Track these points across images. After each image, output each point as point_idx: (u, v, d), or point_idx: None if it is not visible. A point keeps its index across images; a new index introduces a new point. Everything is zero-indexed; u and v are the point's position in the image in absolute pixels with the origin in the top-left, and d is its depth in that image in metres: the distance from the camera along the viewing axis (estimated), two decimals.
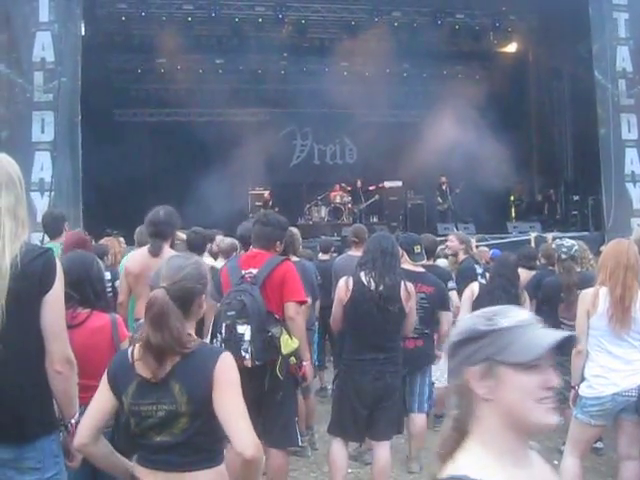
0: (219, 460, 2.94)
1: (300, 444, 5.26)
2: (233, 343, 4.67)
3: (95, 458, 3.01)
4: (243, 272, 5.15)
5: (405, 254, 6.36)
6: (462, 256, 8.66)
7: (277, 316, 5.06)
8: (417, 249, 6.54)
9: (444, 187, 20.07)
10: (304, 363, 5.20)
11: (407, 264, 6.30)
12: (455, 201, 19.92)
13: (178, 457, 2.83)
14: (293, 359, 5.07)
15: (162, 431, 2.83)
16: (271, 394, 5.03)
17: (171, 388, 2.82)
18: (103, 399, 2.96)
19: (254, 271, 5.13)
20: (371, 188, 20.99)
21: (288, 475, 5.41)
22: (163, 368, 2.83)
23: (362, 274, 5.48)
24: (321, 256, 9.67)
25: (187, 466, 2.83)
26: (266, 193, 20.25)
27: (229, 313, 4.82)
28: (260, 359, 4.82)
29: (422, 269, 6.65)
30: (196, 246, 7.48)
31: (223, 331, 4.82)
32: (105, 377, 2.97)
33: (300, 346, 5.12)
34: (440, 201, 20.03)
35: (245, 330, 4.76)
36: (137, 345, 2.94)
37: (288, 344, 5.01)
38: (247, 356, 4.73)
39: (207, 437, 2.87)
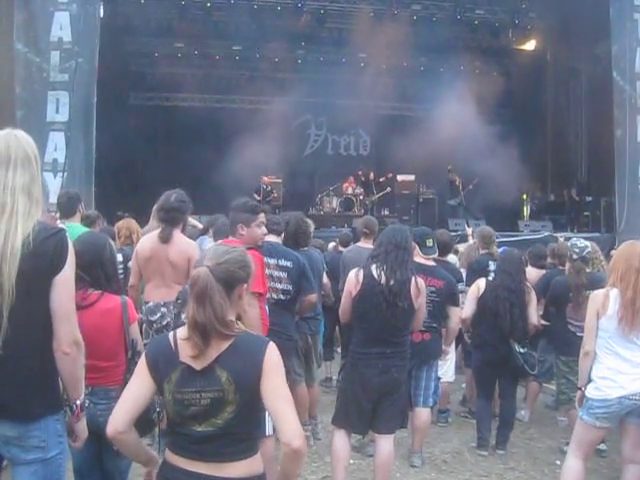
0: (256, 449, 2.93)
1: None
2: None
3: (126, 446, 2.96)
4: None
5: (417, 247, 6.34)
6: (481, 251, 8.65)
7: None
8: (429, 242, 6.51)
9: (457, 183, 20.06)
10: None
11: (418, 257, 6.27)
12: (467, 197, 19.89)
13: (218, 447, 2.81)
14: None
15: (204, 420, 2.80)
16: None
17: (218, 376, 2.79)
18: (142, 386, 2.91)
19: None
20: (382, 180, 20.99)
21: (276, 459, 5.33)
22: (209, 352, 2.80)
23: (373, 267, 5.44)
24: (340, 248, 9.71)
25: (227, 456, 2.82)
26: (265, 178, 20.19)
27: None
28: None
29: (433, 263, 6.63)
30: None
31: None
32: (144, 362, 2.92)
33: None
34: (451, 196, 20.03)
35: None
36: (179, 329, 2.93)
37: None
38: None
39: (248, 427, 2.87)
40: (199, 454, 2.82)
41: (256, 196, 19.70)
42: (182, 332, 2.89)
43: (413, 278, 5.47)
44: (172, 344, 2.88)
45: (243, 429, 2.85)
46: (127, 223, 7.92)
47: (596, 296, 5.09)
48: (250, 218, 5.37)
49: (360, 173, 21.22)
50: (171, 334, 2.95)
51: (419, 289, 5.51)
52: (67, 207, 7.16)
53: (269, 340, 2.95)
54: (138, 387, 2.93)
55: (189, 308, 2.84)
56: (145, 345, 4.11)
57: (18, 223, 2.95)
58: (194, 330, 2.80)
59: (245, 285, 2.97)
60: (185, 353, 2.84)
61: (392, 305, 5.33)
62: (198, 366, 2.81)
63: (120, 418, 2.88)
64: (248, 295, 5.03)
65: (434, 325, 6.63)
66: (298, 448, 2.74)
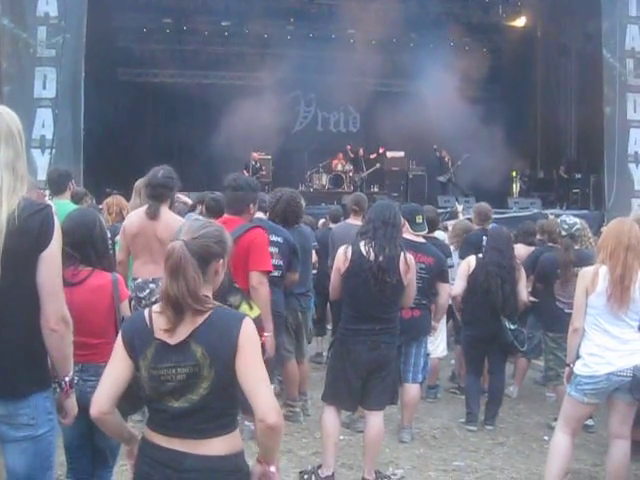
0: (234, 426, 2.91)
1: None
2: None
3: (109, 426, 2.95)
4: None
5: (406, 224, 6.34)
6: (476, 227, 8.65)
7: (235, 285, 4.97)
8: (419, 219, 6.50)
9: (446, 159, 20.08)
10: (265, 334, 5.07)
11: (408, 234, 6.27)
12: (456, 174, 19.91)
13: (195, 424, 2.79)
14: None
15: (180, 396, 2.79)
16: None
17: (193, 351, 2.77)
18: (120, 365, 2.89)
19: None
20: (372, 156, 20.97)
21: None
22: (183, 326, 2.79)
23: (362, 244, 5.42)
24: (330, 225, 9.66)
25: (203, 433, 2.80)
26: (254, 154, 20.13)
27: None
28: None
29: (423, 239, 6.63)
30: (216, 213, 7.51)
31: None
32: (120, 341, 2.90)
33: (261, 316, 4.95)
34: (441, 172, 20.05)
35: None
36: (154, 307, 2.91)
37: (247, 313, 4.93)
38: None
39: (224, 403, 2.84)
40: (176, 430, 2.81)
41: (245, 172, 19.68)
42: (157, 307, 2.88)
43: (402, 254, 5.46)
44: (147, 320, 2.86)
45: (219, 404, 2.82)
46: (117, 200, 7.88)
47: (585, 273, 5.11)
48: (256, 197, 5.47)
49: (349, 149, 21.19)
50: (146, 310, 2.92)
51: (408, 265, 5.50)
52: (57, 184, 7.12)
53: (245, 315, 2.94)
54: (117, 366, 2.91)
55: (163, 281, 2.82)
56: None
57: (2, 200, 2.91)
58: (167, 304, 2.78)
59: (221, 260, 2.94)
60: (159, 328, 2.81)
61: (381, 281, 5.33)
62: (172, 341, 2.79)
63: (103, 399, 2.87)
64: (258, 274, 5.04)
65: (424, 302, 6.64)
66: (274, 424, 2.71)
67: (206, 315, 2.82)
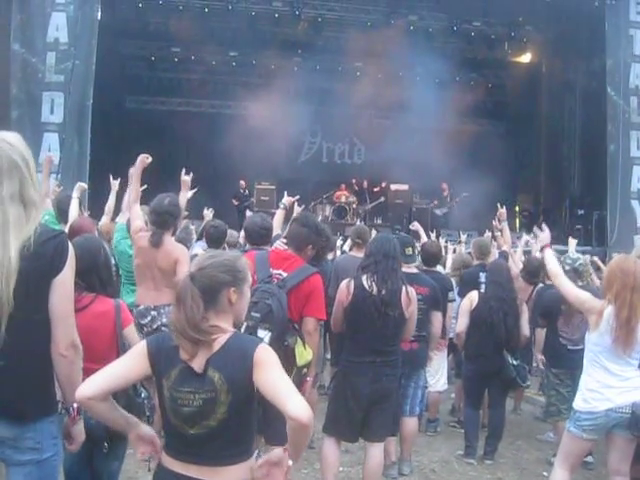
0: (250, 453, 2.92)
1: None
2: None
3: (95, 413, 2.94)
4: (272, 271, 5.02)
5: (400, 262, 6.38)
6: (475, 261, 8.66)
7: (295, 325, 4.96)
8: (408, 251, 6.50)
9: (445, 194, 20.18)
10: (308, 378, 5.05)
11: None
12: (453, 209, 19.98)
13: (211, 450, 2.81)
14: (305, 370, 5.02)
15: (198, 422, 2.81)
16: None
17: (210, 377, 2.80)
18: (132, 366, 2.93)
19: (284, 274, 5.00)
20: (376, 190, 21.03)
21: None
22: (201, 354, 2.82)
23: (364, 277, 5.46)
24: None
25: (220, 460, 2.82)
26: (242, 182, 20.24)
27: (254, 314, 4.64)
28: None
29: (416, 270, 6.65)
30: (215, 241, 7.57)
31: (243, 330, 4.76)
32: (144, 349, 2.92)
33: (313, 360, 5.04)
34: (437, 204, 20.15)
35: (265, 336, 4.60)
36: None
37: (303, 355, 4.93)
38: None
39: (241, 429, 2.87)
40: (192, 457, 2.83)
41: (234, 201, 19.80)
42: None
43: (404, 287, 5.51)
44: (174, 342, 2.90)
45: (236, 431, 2.85)
46: (109, 226, 7.91)
47: (593, 306, 5.11)
48: (319, 242, 5.38)
49: (354, 182, 21.26)
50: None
51: (410, 298, 5.55)
52: (67, 212, 7.12)
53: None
54: (127, 365, 2.95)
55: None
56: None
57: (11, 235, 2.90)
58: (177, 335, 2.84)
59: (233, 289, 2.95)
60: (183, 353, 2.86)
61: (384, 315, 5.36)
62: (197, 368, 2.83)
63: (92, 385, 2.87)
64: (315, 320, 5.08)
65: (422, 334, 6.67)
66: (308, 421, 2.69)
67: (223, 341, 2.86)
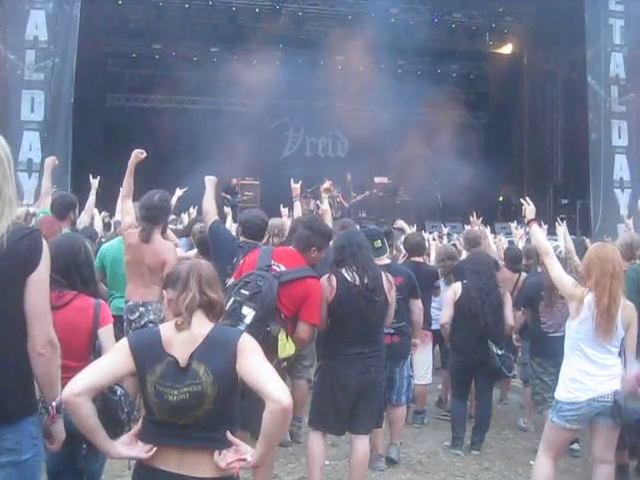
0: (227, 443, 2.93)
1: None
2: (232, 320, 4.61)
3: (80, 414, 2.88)
4: (272, 262, 5.10)
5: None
6: (464, 253, 8.69)
7: (283, 316, 4.98)
8: (377, 243, 6.44)
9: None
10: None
11: None
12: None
13: (195, 441, 2.85)
14: (284, 364, 5.04)
15: (184, 415, 2.84)
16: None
17: (195, 370, 2.84)
18: (117, 363, 2.93)
19: (283, 267, 5.07)
20: (359, 194, 20.95)
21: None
22: (184, 347, 2.88)
23: (343, 271, 5.45)
24: None
25: (202, 453, 2.85)
26: (234, 180, 20.25)
27: (242, 291, 4.76)
28: None
29: (387, 260, 6.62)
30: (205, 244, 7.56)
31: (229, 305, 4.76)
32: (126, 346, 2.94)
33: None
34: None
35: (249, 314, 4.70)
36: (167, 325, 2.98)
37: (285, 349, 4.96)
38: None
39: (224, 423, 2.90)
40: (175, 450, 2.85)
41: (225, 195, 19.76)
42: (168, 327, 2.95)
43: (382, 273, 5.57)
44: (159, 337, 2.92)
45: (220, 423, 2.87)
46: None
47: (574, 292, 5.12)
48: (325, 245, 5.42)
49: (349, 178, 21.24)
50: (156, 328, 3.02)
51: (390, 282, 5.64)
52: (59, 212, 7.04)
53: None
54: (112, 362, 2.96)
55: (182, 295, 2.98)
56: None
57: None
58: (201, 309, 2.97)
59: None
60: (171, 348, 2.87)
61: (371, 302, 5.38)
62: (182, 362, 2.86)
63: (79, 382, 2.87)
64: (309, 327, 5.13)
65: (402, 324, 6.68)
66: (288, 405, 2.73)
67: (205, 333, 2.89)
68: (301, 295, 5.09)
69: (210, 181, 6.77)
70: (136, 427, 3.02)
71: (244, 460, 2.84)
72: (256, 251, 5.42)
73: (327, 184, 7.87)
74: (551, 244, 7.07)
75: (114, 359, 2.95)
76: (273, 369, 2.86)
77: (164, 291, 3.12)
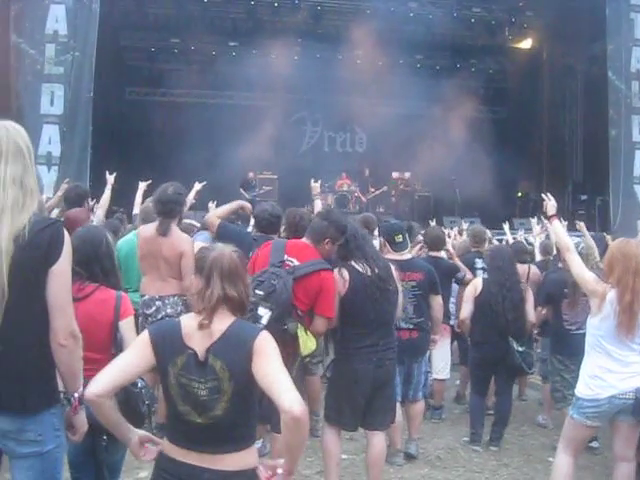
0: (252, 441, 2.94)
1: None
2: (248, 321, 4.60)
3: (103, 412, 2.93)
4: (285, 257, 5.11)
5: (387, 244, 6.36)
6: (472, 249, 8.66)
7: (300, 312, 5.01)
8: (398, 238, 6.43)
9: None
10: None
11: (390, 254, 6.24)
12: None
13: (215, 439, 2.83)
14: (307, 359, 5.06)
15: (203, 412, 2.83)
16: None
17: (212, 365, 2.82)
18: (138, 358, 2.94)
19: (296, 262, 5.08)
20: (377, 188, 20.87)
21: None
22: (202, 340, 2.87)
23: (352, 263, 5.42)
24: None
25: (222, 448, 2.84)
26: (251, 173, 20.30)
27: (257, 291, 4.75)
28: None
29: (409, 255, 6.60)
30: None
31: None
32: (146, 339, 2.94)
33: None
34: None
35: (265, 314, 4.71)
36: (185, 317, 2.98)
37: (307, 345, 5.02)
38: None
39: (244, 417, 2.88)
40: (195, 444, 2.84)
41: (242, 191, 19.81)
42: (188, 319, 2.94)
43: (389, 263, 5.60)
44: (179, 329, 2.91)
45: (238, 419, 2.86)
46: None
47: (596, 289, 5.07)
48: (338, 238, 5.40)
49: (367, 173, 21.24)
50: (177, 320, 3.00)
51: (396, 271, 5.66)
52: (72, 203, 7.14)
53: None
54: (131, 359, 2.96)
55: (204, 290, 2.93)
56: None
57: (6, 217, 2.91)
58: (223, 305, 2.91)
59: None
60: (191, 341, 2.87)
61: (384, 290, 5.38)
62: (200, 356, 2.84)
63: (102, 381, 2.89)
64: (325, 320, 5.16)
65: (420, 320, 6.65)
66: (300, 414, 2.69)
67: (223, 329, 2.87)
68: (316, 289, 5.09)
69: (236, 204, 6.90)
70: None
71: (277, 475, 2.85)
72: (268, 245, 5.40)
73: (315, 185, 7.83)
74: (572, 240, 7.07)
75: (135, 355, 2.96)
76: (287, 376, 2.81)
77: (193, 276, 3.08)
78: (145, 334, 2.99)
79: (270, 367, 2.80)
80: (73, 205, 7.07)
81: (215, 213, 6.72)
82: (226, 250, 2.94)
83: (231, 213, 7.15)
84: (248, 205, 7.28)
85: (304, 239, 5.43)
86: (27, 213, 2.96)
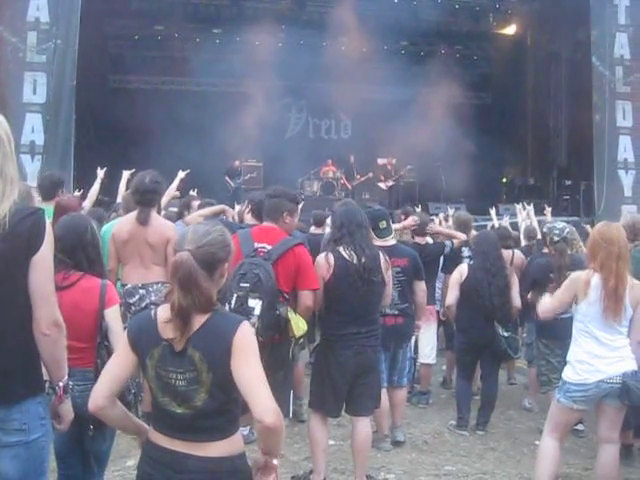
0: (236, 428, 2.94)
1: (290, 415, 5.30)
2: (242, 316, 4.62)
3: (110, 420, 3.00)
4: (256, 245, 5.16)
5: (371, 231, 6.36)
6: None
7: (285, 295, 5.06)
8: (382, 224, 6.42)
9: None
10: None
11: (374, 240, 6.13)
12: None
13: (197, 427, 2.82)
14: (302, 341, 5.13)
15: (183, 402, 2.82)
16: (272, 371, 5.01)
17: (190, 356, 2.80)
18: (122, 361, 2.94)
19: (267, 247, 5.14)
20: (362, 175, 20.80)
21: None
22: (188, 331, 2.82)
23: (341, 249, 5.43)
24: (313, 229, 9.56)
25: (206, 435, 2.83)
26: (237, 162, 20.38)
27: (242, 285, 4.79)
28: (264, 336, 4.79)
29: (392, 242, 6.60)
30: None
31: (233, 302, 4.79)
32: (125, 339, 2.94)
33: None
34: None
35: (256, 305, 4.75)
36: (161, 308, 2.93)
37: (299, 327, 5.06)
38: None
39: (226, 406, 2.86)
40: (178, 432, 2.84)
41: (228, 179, 19.80)
42: (163, 311, 2.90)
43: (379, 253, 5.57)
44: (154, 321, 2.89)
45: (221, 408, 2.85)
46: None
47: (577, 278, 5.08)
48: (295, 208, 5.55)
49: (353, 161, 21.18)
50: (152, 311, 2.96)
51: (387, 262, 5.64)
52: (47, 190, 7.11)
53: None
54: (117, 363, 2.96)
55: (173, 293, 2.83)
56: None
57: None
58: (178, 315, 2.80)
59: (226, 264, 2.97)
60: (166, 332, 2.85)
61: (368, 281, 5.38)
62: (177, 347, 2.82)
63: (99, 394, 2.90)
64: (312, 293, 5.18)
65: (405, 306, 6.66)
66: (271, 424, 2.70)
67: (203, 320, 2.84)
68: (294, 266, 5.17)
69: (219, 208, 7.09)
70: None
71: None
72: (235, 237, 5.36)
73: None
74: (558, 225, 7.10)
75: (122, 357, 2.95)
76: (263, 380, 2.78)
77: None
78: (125, 333, 3.00)
79: (247, 371, 2.78)
80: (48, 194, 7.02)
81: (199, 213, 6.81)
82: (184, 256, 2.82)
83: (214, 215, 7.28)
84: (231, 210, 7.58)
85: (265, 223, 5.49)
86: (7, 202, 2.92)
